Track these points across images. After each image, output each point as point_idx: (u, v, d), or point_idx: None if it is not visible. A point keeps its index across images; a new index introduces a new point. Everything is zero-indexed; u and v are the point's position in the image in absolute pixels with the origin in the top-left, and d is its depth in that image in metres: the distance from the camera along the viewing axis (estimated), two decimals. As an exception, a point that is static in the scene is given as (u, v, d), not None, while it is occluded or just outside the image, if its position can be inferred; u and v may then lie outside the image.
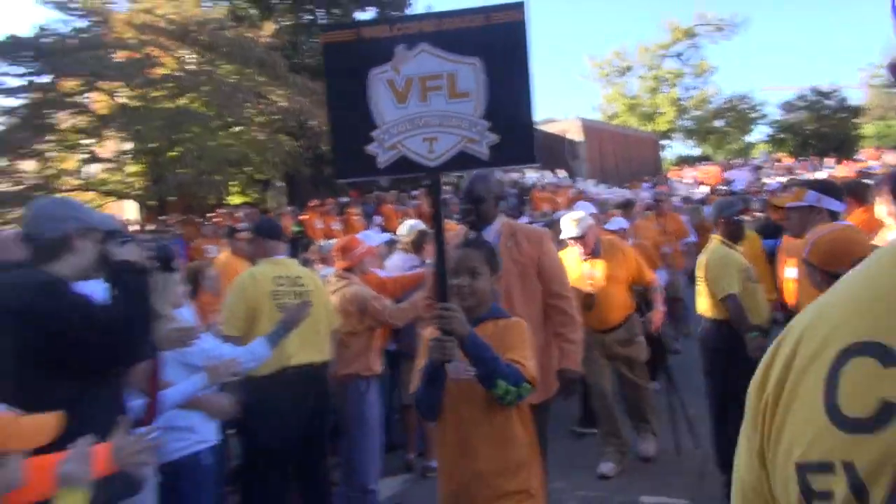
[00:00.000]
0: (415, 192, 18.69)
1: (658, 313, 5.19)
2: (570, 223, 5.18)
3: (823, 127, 44.83)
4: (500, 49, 2.45)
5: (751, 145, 47.72)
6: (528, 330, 2.63)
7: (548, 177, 24.31)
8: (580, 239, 5.00)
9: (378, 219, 16.42)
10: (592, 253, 5.07)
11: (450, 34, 2.46)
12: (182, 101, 16.14)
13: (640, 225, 8.75)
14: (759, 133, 48.81)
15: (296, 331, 3.89)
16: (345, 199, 16.77)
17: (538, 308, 3.53)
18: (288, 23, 20.84)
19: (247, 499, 4.29)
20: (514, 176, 25.24)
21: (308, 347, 4.12)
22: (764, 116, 47.16)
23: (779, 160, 31.45)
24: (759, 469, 0.84)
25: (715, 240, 4.68)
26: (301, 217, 15.70)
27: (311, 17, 21.52)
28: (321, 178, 18.66)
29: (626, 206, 10.02)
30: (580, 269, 5.07)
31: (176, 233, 13.97)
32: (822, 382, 0.75)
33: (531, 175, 25.19)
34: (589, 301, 4.86)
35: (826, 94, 45.55)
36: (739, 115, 46.37)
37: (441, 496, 2.61)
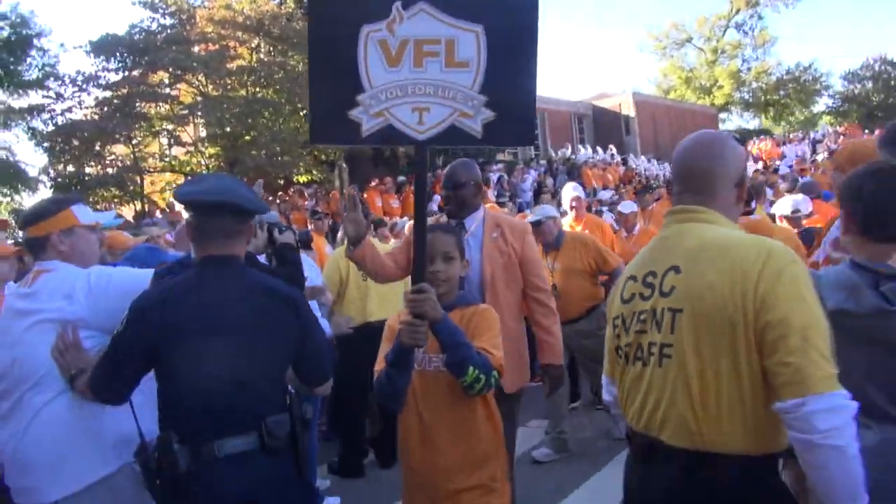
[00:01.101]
0: None
1: None
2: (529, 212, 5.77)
3: (892, 97, 42.90)
4: (507, 19, 2.24)
5: (818, 116, 46.58)
6: (496, 317, 2.49)
7: (600, 153, 24.22)
8: (536, 227, 5.03)
9: (435, 197, 17.73)
10: (552, 245, 5.18)
11: None
12: (256, 90, 17.27)
13: (655, 210, 8.36)
14: (822, 105, 47.34)
15: (377, 291, 5.11)
16: (402, 178, 17.43)
17: (519, 298, 3.50)
18: None
19: (333, 431, 5.70)
20: (566, 153, 25.98)
21: (386, 306, 5.06)
22: (828, 88, 45.33)
23: (844, 133, 30.66)
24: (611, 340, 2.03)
25: None
26: (364, 195, 17.28)
27: None
28: (381, 159, 19.35)
29: (646, 190, 9.98)
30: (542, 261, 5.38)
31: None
32: (618, 293, 1.99)
33: (583, 153, 25.88)
34: (553, 292, 5.17)
35: (894, 64, 43.47)
36: (801, 86, 44.51)
37: (405, 488, 2.48)
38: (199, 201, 2.27)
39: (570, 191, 6.34)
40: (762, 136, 34.01)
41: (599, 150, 25.34)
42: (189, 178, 18.90)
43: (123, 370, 2.18)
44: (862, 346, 1.54)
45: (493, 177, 19.13)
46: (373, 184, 16.42)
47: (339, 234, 7.74)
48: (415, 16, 2.22)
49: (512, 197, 18.01)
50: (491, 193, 18.01)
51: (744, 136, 36.96)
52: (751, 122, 47.34)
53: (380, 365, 2.39)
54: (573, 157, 24.05)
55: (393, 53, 2.22)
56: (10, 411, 2.40)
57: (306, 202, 15.60)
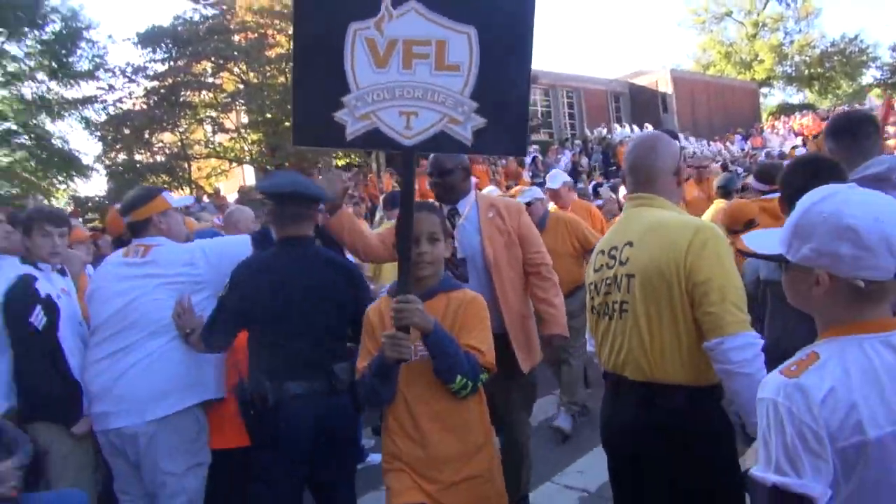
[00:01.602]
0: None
1: None
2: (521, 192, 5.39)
3: (945, 69, 42.60)
4: (501, 20, 2.12)
5: (866, 88, 44.85)
6: (485, 307, 2.36)
7: (636, 131, 23.69)
8: (526, 208, 5.10)
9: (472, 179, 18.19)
10: (537, 226, 5.08)
11: None
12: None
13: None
14: (869, 77, 45.68)
15: None
16: None
17: (522, 278, 3.42)
18: None
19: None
20: (602, 132, 25.94)
21: None
22: (875, 59, 43.06)
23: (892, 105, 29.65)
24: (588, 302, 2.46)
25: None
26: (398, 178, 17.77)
27: None
28: None
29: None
30: None
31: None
32: (592, 265, 2.42)
33: (619, 131, 25.79)
34: None
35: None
36: (847, 59, 42.59)
37: (390, 476, 2.33)
38: (275, 192, 2.81)
39: (558, 177, 6.26)
40: (804, 112, 33.26)
41: (636, 128, 25.01)
42: (233, 163, 19.76)
43: (227, 325, 2.81)
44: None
45: (528, 157, 19.39)
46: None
47: (378, 217, 8.23)
48: (405, 14, 2.10)
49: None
50: (525, 174, 18.28)
51: (785, 112, 36.15)
52: (794, 96, 46.24)
53: (362, 361, 2.29)
54: (609, 136, 23.72)
55: (381, 53, 2.10)
56: (114, 353, 3.03)
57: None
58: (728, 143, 25.07)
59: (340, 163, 19.11)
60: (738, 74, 42.19)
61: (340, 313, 2.76)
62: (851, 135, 2.51)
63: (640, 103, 32.05)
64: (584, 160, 20.19)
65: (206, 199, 17.64)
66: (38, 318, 3.21)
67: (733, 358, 1.92)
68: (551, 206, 6.03)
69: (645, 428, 2.09)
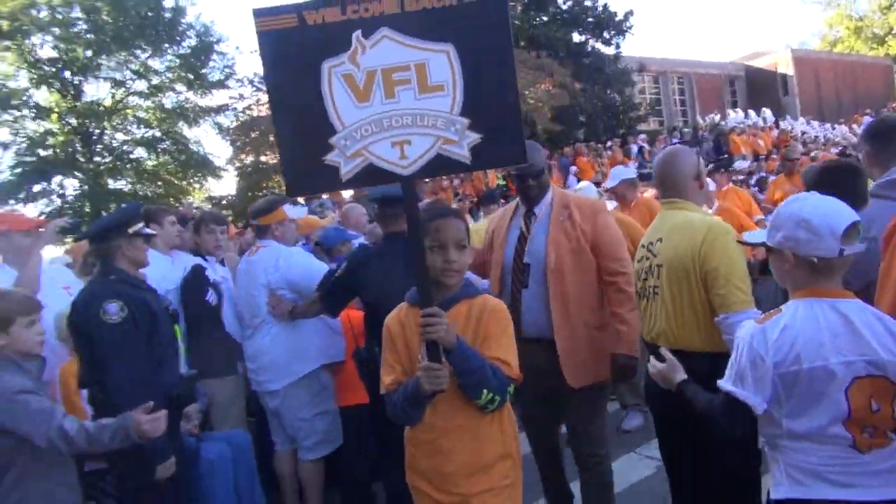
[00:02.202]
0: (609, 143, 19.48)
1: None
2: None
3: None
4: (477, 33, 2.06)
5: None
6: (508, 317, 2.23)
7: (752, 117, 22.56)
8: None
9: (574, 169, 17.70)
10: None
11: (415, 16, 2.07)
12: None
13: (732, 189, 7.14)
14: None
15: None
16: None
17: (593, 286, 3.14)
18: None
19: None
20: (715, 118, 25.13)
21: None
22: None
23: None
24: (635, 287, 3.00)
25: None
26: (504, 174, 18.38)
27: None
28: (526, 136, 20.91)
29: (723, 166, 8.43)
30: None
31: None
32: (636, 258, 2.96)
33: (733, 117, 24.86)
34: None
35: None
36: None
37: (413, 491, 2.30)
38: (379, 196, 3.42)
39: (617, 174, 5.88)
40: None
41: (752, 113, 23.58)
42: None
43: (341, 297, 3.52)
44: None
45: (634, 147, 19.23)
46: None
47: (483, 214, 8.84)
48: (378, 43, 2.06)
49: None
50: (632, 165, 18.25)
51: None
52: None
53: (386, 375, 2.21)
54: (722, 122, 22.43)
55: (361, 87, 2.06)
56: (252, 332, 3.93)
57: (450, 182, 17.28)
58: (854, 126, 23.65)
59: None
60: (870, 51, 39.18)
61: None
62: (886, 140, 2.61)
63: (758, 87, 30.55)
64: (696, 148, 20.06)
65: (324, 195, 19.07)
66: (212, 297, 4.12)
67: (737, 330, 2.21)
68: (612, 206, 5.65)
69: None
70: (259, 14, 2.09)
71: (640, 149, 18.46)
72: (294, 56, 2.08)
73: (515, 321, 2.70)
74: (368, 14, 2.06)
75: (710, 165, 7.36)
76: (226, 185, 23.09)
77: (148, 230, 3.30)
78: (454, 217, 2.25)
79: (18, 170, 18.72)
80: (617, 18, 23.46)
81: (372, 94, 2.07)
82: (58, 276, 4.12)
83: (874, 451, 1.72)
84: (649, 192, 6.43)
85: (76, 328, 3.00)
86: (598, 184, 15.48)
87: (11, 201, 18.77)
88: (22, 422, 2.44)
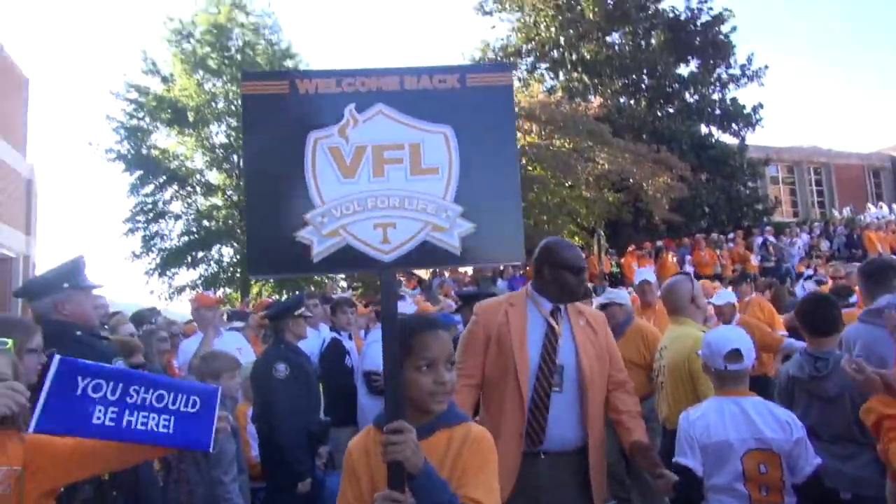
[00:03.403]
0: (731, 235, 18.35)
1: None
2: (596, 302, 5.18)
3: None
4: (478, 117, 1.90)
5: None
6: (493, 447, 1.87)
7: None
8: (602, 311, 4.44)
9: (689, 259, 16.27)
10: (615, 332, 4.34)
11: (415, 95, 1.91)
12: (528, 168, 19.22)
13: (756, 300, 7.05)
14: None
15: None
16: (660, 244, 17.60)
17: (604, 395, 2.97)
18: (615, 87, 22.80)
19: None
20: (850, 212, 24.13)
21: None
22: None
23: None
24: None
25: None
26: (621, 259, 17.07)
27: (634, 79, 23.50)
28: (642, 225, 19.87)
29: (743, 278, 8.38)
30: None
31: (520, 272, 18.61)
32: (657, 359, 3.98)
33: (873, 212, 21.91)
34: None
35: None
36: None
37: None
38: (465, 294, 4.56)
39: (640, 274, 5.93)
40: None
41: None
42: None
43: None
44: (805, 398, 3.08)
45: (758, 240, 17.77)
46: (631, 248, 17.18)
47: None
48: (371, 118, 1.90)
49: (778, 262, 17.81)
50: (754, 259, 18.11)
51: None
52: None
53: None
54: (860, 216, 21.06)
55: (348, 162, 1.88)
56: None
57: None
58: None
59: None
60: None
61: None
62: (875, 278, 3.36)
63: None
64: (825, 244, 18.27)
65: (446, 273, 20.91)
66: (349, 362, 5.44)
67: None
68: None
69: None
70: (248, 77, 1.96)
71: (764, 241, 18.31)
72: (279, 123, 1.92)
73: (536, 431, 2.74)
74: (365, 89, 1.91)
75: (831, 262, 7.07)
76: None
77: (307, 313, 4.67)
78: (440, 329, 1.88)
79: (185, 238, 21.86)
80: (745, 111, 23.09)
81: (359, 170, 1.88)
82: (231, 340, 5.64)
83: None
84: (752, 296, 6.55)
85: (255, 380, 4.35)
86: (718, 276, 15.71)
87: (176, 266, 21.87)
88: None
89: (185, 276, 21.75)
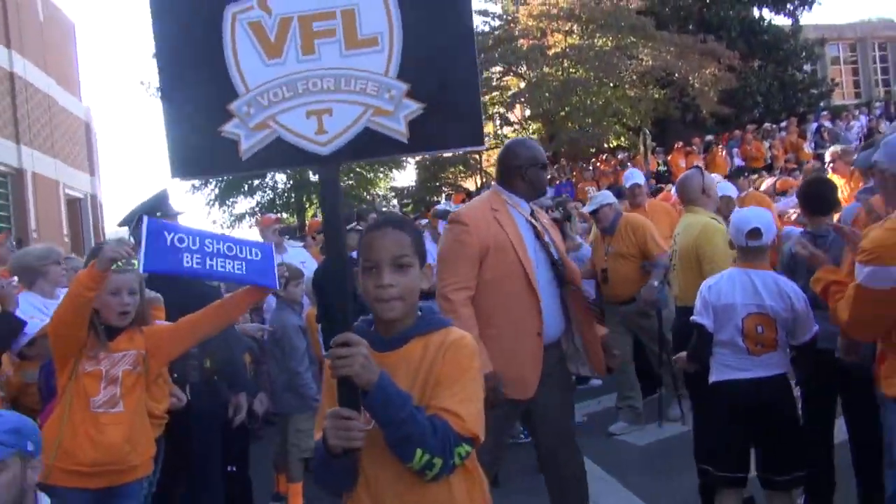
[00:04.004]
0: (783, 123, 17.04)
1: (648, 287, 4.93)
2: (589, 200, 5.63)
3: None
4: None
5: None
6: (474, 352, 1.64)
7: None
8: (594, 214, 5.26)
9: (736, 151, 15.71)
10: (608, 230, 5.19)
11: None
12: (570, 70, 19.00)
13: (754, 195, 7.09)
14: None
15: None
16: (709, 138, 16.90)
17: None
18: None
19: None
20: None
21: None
22: None
23: None
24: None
25: None
26: (668, 157, 16.39)
27: None
28: (689, 121, 18.97)
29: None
30: (600, 245, 5.31)
31: (566, 177, 18.64)
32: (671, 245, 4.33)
33: None
34: (604, 275, 5.17)
35: None
36: None
37: None
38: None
39: (630, 178, 6.30)
40: None
41: None
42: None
43: None
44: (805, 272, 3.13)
45: (812, 126, 16.59)
46: (678, 145, 16.52)
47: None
48: None
49: None
50: (807, 146, 17.57)
51: None
52: None
53: (318, 431, 1.62)
54: None
55: (272, 39, 1.60)
56: None
57: (608, 168, 17.10)
58: None
59: (614, 143, 19.96)
60: None
61: None
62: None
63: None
64: (885, 125, 16.43)
65: (493, 184, 20.87)
66: None
67: None
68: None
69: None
70: None
71: (819, 128, 17.72)
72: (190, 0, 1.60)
73: (568, 318, 3.03)
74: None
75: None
76: (407, 177, 26.08)
77: (359, 227, 5.22)
78: (392, 227, 1.61)
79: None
80: None
81: (286, 48, 1.59)
82: (296, 255, 6.30)
83: (764, 355, 2.91)
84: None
85: (316, 286, 4.99)
86: (768, 167, 15.46)
87: (234, 195, 22.86)
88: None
89: (243, 204, 22.70)
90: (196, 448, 3.16)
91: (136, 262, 2.52)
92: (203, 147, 1.66)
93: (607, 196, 5.43)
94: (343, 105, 1.61)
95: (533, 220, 2.96)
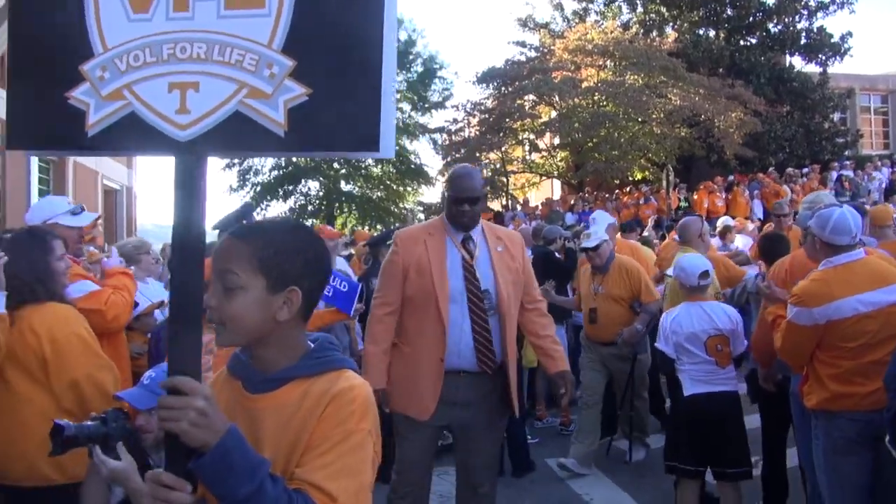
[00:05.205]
0: (805, 170, 16.66)
1: (630, 331, 4.72)
2: (585, 235, 5.17)
3: None
4: None
5: None
6: (364, 405, 1.24)
7: None
8: (594, 251, 4.82)
9: (756, 192, 15.64)
10: (601, 268, 4.85)
11: None
12: (601, 103, 19.48)
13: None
14: None
15: None
16: (731, 178, 16.79)
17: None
18: (693, 20, 21.42)
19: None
20: None
21: None
22: None
23: None
24: None
25: None
26: (693, 195, 16.53)
27: (714, 9, 21.69)
28: (714, 161, 19.03)
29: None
30: (589, 283, 4.95)
31: (589, 206, 19.19)
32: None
33: None
34: (592, 315, 4.90)
35: None
36: None
37: None
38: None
39: (603, 219, 5.92)
40: None
41: None
42: (542, 177, 23.66)
43: None
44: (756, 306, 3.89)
45: (833, 174, 16.19)
46: (703, 185, 16.59)
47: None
48: None
49: (854, 198, 17.46)
50: (829, 193, 17.86)
51: None
52: None
53: None
54: None
55: None
56: None
57: (630, 200, 17.32)
58: None
59: (638, 176, 20.10)
60: None
61: None
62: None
63: None
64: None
65: (518, 207, 20.45)
66: None
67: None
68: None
69: None
70: None
71: (840, 177, 18.06)
72: None
73: (486, 351, 2.88)
74: None
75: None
76: (435, 193, 27.07)
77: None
78: (234, 237, 1.26)
79: (276, 173, 23.69)
80: (833, 40, 21.12)
81: (154, 1, 1.24)
82: (340, 264, 7.17)
83: (727, 367, 3.42)
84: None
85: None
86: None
87: (268, 197, 23.89)
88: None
89: (276, 207, 23.58)
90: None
91: None
92: (46, 114, 1.30)
93: (602, 231, 5.11)
94: (213, 80, 1.24)
95: (462, 251, 2.89)
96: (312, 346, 1.32)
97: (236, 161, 21.83)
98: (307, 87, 1.20)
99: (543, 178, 22.02)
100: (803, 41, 21.65)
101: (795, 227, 5.60)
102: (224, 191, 22.50)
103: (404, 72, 22.99)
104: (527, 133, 20.71)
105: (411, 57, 22.74)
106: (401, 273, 2.87)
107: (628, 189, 18.41)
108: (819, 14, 21.81)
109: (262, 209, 22.07)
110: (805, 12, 21.69)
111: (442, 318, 2.79)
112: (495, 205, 22.26)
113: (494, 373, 2.89)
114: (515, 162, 21.53)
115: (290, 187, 23.34)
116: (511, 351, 2.91)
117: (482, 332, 2.83)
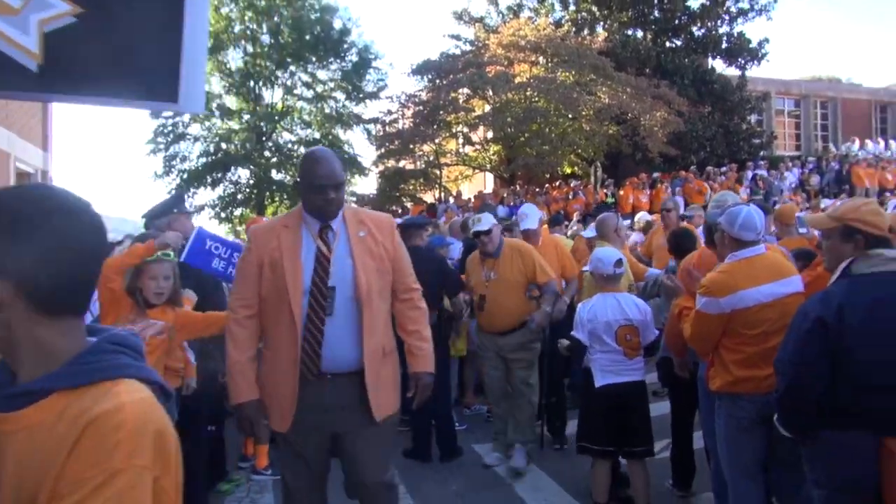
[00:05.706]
0: (724, 168, 17.53)
1: (542, 314, 4.43)
2: (475, 220, 4.88)
3: None
4: None
5: None
6: (146, 430, 0.92)
7: (893, 148, 20.11)
8: (486, 234, 4.55)
9: (679, 189, 15.97)
10: (492, 254, 4.59)
11: None
12: (533, 99, 19.70)
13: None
14: None
15: None
16: (655, 175, 17.48)
17: (389, 308, 2.77)
18: (623, 20, 22.04)
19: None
20: (850, 147, 20.90)
21: None
22: None
23: None
24: None
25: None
26: (619, 191, 17.11)
27: (642, 10, 22.31)
28: (639, 158, 19.62)
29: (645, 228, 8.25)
30: (479, 270, 4.69)
31: (520, 199, 19.53)
32: None
33: (869, 147, 20.44)
34: (481, 302, 4.61)
35: None
36: None
37: None
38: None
39: (532, 216, 5.53)
40: None
41: (893, 144, 21.11)
42: (475, 170, 23.86)
43: None
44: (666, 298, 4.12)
45: (749, 174, 16.89)
46: (630, 180, 17.32)
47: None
48: None
49: (766, 196, 18.26)
50: (743, 191, 18.61)
51: None
52: None
53: None
54: (859, 152, 20.04)
55: None
56: None
57: (560, 194, 17.43)
58: None
59: (568, 170, 20.56)
60: None
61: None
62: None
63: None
64: (815, 178, 17.48)
65: (451, 199, 20.05)
66: None
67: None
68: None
69: None
70: None
71: (755, 176, 18.74)
72: None
73: (311, 357, 2.50)
74: None
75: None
76: (368, 184, 26.88)
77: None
78: None
79: (204, 160, 22.93)
80: (751, 45, 22.15)
81: None
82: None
83: (635, 358, 3.62)
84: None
85: None
86: (706, 207, 16.69)
87: (196, 184, 23.22)
88: None
89: (204, 195, 22.92)
90: (189, 405, 3.38)
91: (171, 254, 3.12)
92: None
93: (492, 217, 4.89)
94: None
95: (319, 242, 2.58)
96: (63, 355, 0.96)
97: (161, 146, 21.01)
98: (75, 6, 0.86)
99: (476, 171, 22.21)
100: (724, 45, 22.66)
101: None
102: (150, 177, 21.62)
103: (339, 61, 22.39)
104: (460, 126, 20.84)
105: (346, 46, 22.29)
106: (256, 270, 2.60)
107: (558, 183, 18.83)
108: (739, 20, 22.87)
109: (188, 197, 21.30)
110: (727, 17, 22.70)
111: (295, 317, 2.52)
112: (428, 197, 22.38)
113: (359, 374, 2.62)
114: (449, 154, 21.59)
115: (219, 175, 22.72)
116: (374, 345, 2.59)
117: (315, 332, 2.53)
